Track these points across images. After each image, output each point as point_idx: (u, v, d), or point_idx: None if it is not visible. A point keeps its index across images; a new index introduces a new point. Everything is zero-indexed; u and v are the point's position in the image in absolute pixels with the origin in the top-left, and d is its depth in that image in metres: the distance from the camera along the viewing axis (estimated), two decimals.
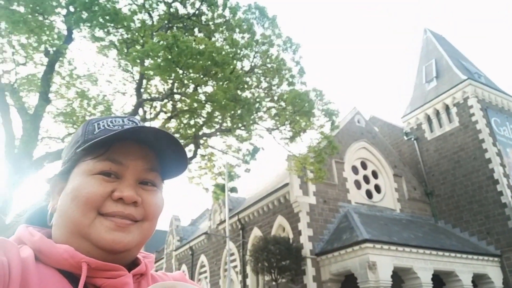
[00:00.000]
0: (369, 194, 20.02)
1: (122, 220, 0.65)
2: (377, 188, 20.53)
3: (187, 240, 27.58)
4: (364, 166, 20.94)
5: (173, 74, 9.46)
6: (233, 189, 16.00)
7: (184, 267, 27.07)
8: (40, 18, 10.91)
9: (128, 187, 0.67)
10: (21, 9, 10.78)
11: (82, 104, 17.37)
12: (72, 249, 0.62)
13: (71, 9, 12.54)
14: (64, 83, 16.93)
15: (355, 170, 20.41)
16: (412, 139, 23.46)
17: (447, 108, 22.04)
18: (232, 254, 21.43)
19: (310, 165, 11.46)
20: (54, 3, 11.08)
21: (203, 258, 24.70)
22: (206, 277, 23.67)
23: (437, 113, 22.50)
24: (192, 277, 25.34)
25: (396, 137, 24.77)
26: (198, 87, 10.32)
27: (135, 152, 0.70)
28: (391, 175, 21.01)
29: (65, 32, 13.95)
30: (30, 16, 10.61)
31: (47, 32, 13.21)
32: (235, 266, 20.96)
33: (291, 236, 17.02)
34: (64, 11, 12.62)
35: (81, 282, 0.59)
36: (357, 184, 20.00)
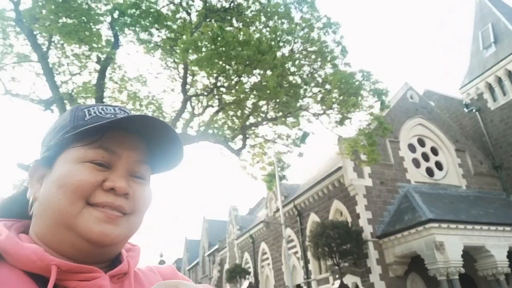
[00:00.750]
0: (429, 172, 18.98)
1: (112, 212, 0.62)
2: (438, 165, 19.40)
3: (247, 229, 28.12)
4: (421, 143, 19.87)
5: (217, 67, 9.51)
6: (283, 177, 15.92)
7: (246, 255, 27.68)
8: (88, 27, 11.43)
9: (120, 178, 0.64)
10: (69, 21, 11.36)
11: (135, 106, 18.22)
12: (41, 250, 0.57)
13: (115, 15, 13.01)
14: (116, 87, 17.83)
15: (412, 148, 19.44)
16: (474, 110, 21.78)
17: (509, 74, 20.15)
18: (291, 241, 21.52)
19: (361, 148, 11.04)
20: (98, 11, 11.55)
21: (263, 246, 25.08)
22: (269, 264, 24.03)
23: (499, 81, 20.67)
24: (255, 264, 25.87)
25: (455, 110, 23.15)
26: (242, 78, 10.30)
27: (128, 142, 0.67)
28: (452, 151, 19.74)
29: (112, 39, 14.57)
30: (79, 26, 11.16)
31: (96, 40, 13.90)
32: (296, 252, 21.03)
33: (349, 220, 16.70)
34: (108, 18, 13.13)
35: (49, 287, 0.54)
36: (416, 163, 19.05)
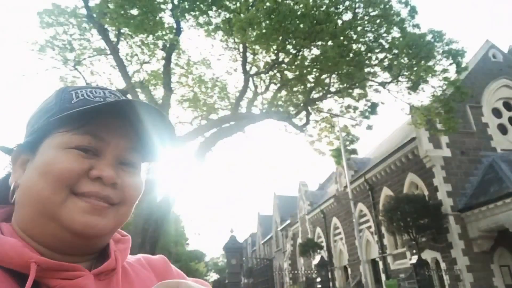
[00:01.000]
0: None
1: (98, 202, 0.58)
2: None
3: (317, 204, 28.06)
4: (508, 107, 17.87)
5: (276, 42, 9.34)
6: (353, 151, 15.41)
7: (318, 229, 27.74)
8: (151, 17, 11.87)
9: (108, 166, 0.60)
10: (134, 13, 11.87)
11: (201, 88, 18.79)
12: (20, 246, 0.54)
13: (175, 2, 13.30)
14: (183, 73, 18.50)
15: (497, 113, 17.58)
16: None
17: None
18: (364, 215, 21.04)
19: (436, 116, 10.19)
20: (160, 0, 11.88)
21: (335, 221, 24.89)
22: (341, 239, 23.87)
23: None
24: (327, 238, 25.86)
25: None
26: (302, 52, 10.00)
27: (117, 128, 0.63)
28: None
29: (175, 25, 15.00)
30: (143, 17, 11.63)
31: (160, 28, 14.42)
32: (369, 227, 20.55)
33: (426, 193, 15.75)
34: (169, 6, 13.48)
35: (27, 286, 0.50)
36: (502, 129, 17.23)
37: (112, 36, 15.20)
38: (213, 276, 52.27)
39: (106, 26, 13.88)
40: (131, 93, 16.51)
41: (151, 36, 14.83)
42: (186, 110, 20.06)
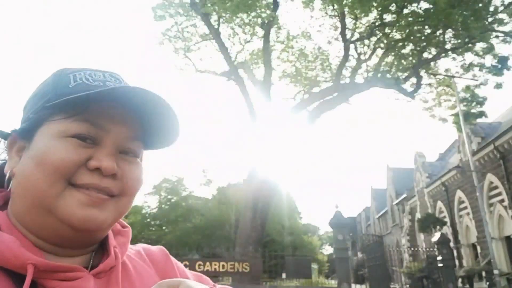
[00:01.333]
0: None
1: (97, 194, 0.56)
2: None
3: (437, 176, 25.77)
4: None
5: (377, 1, 8.52)
6: (481, 114, 13.50)
7: (439, 204, 25.62)
8: None
9: (108, 156, 0.57)
10: None
11: (302, 62, 18.51)
12: (17, 245, 0.52)
13: None
14: (283, 48, 18.42)
15: None
16: None
17: None
18: (494, 188, 18.62)
19: None
20: None
21: (460, 194, 22.60)
22: (468, 214, 21.66)
23: None
24: (451, 213, 23.76)
25: None
26: (407, 8, 8.94)
27: (118, 114, 0.59)
28: None
29: (271, 0, 14.87)
30: None
31: (257, 6, 14.46)
32: (502, 201, 18.12)
33: None
34: None
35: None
36: None
37: (213, 21, 15.84)
38: (328, 250, 52.93)
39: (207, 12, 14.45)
40: (233, 74, 17.18)
41: (249, 15, 15.01)
42: (288, 86, 20.13)
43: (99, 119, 0.57)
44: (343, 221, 10.44)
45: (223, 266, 10.95)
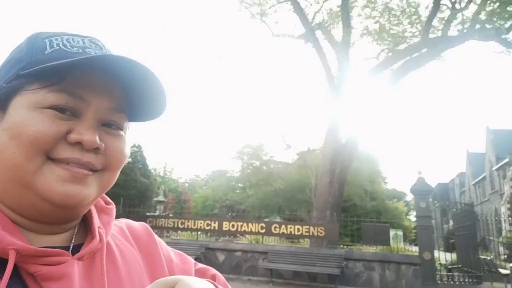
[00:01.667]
0: None
1: (79, 170, 0.52)
2: None
3: None
4: None
5: None
6: None
7: None
8: None
9: (89, 129, 0.53)
10: None
11: (387, 17, 17.07)
12: None
13: None
14: (365, 4, 17.14)
15: None
16: None
17: None
18: None
19: None
20: None
21: None
22: None
23: None
24: None
25: None
26: None
27: (99, 84, 0.55)
28: None
29: None
30: None
31: None
32: None
33: None
34: None
35: (5, 276, 0.47)
36: None
37: None
38: None
39: None
40: (310, 37, 16.59)
41: None
42: (371, 44, 18.86)
43: (78, 89, 0.53)
44: (426, 188, 9.77)
45: (298, 229, 11.09)
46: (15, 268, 0.49)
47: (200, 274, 0.71)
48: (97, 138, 0.54)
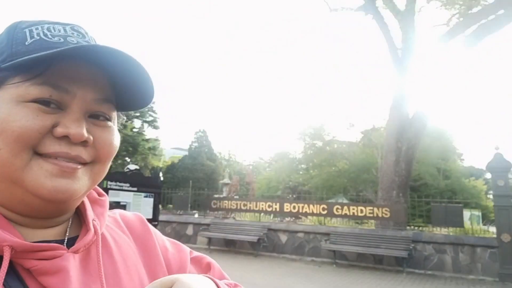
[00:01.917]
0: None
1: (67, 164, 0.52)
2: None
3: None
4: None
5: None
6: None
7: None
8: None
9: (75, 122, 0.52)
10: None
11: None
12: None
13: None
14: None
15: None
16: None
17: None
18: None
19: None
20: None
21: None
22: None
23: None
24: None
25: None
26: None
27: (83, 75, 0.54)
28: None
29: None
30: None
31: None
32: None
33: None
34: None
35: (1, 272, 0.47)
36: None
37: None
38: None
39: None
40: (370, 7, 15.64)
41: None
42: (439, 10, 17.33)
43: (61, 81, 0.52)
44: (504, 165, 8.83)
45: (361, 210, 10.74)
46: (11, 264, 0.49)
47: (195, 262, 0.71)
48: (85, 130, 0.53)
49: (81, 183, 0.54)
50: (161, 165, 30.57)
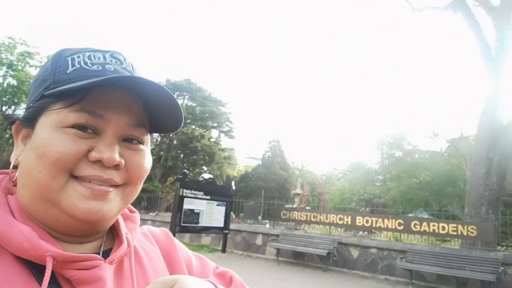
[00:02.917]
0: None
1: (100, 187, 0.56)
2: None
3: None
4: None
5: None
6: None
7: None
8: None
9: (108, 147, 0.56)
10: None
11: None
12: (35, 236, 0.53)
13: None
14: None
15: None
16: None
17: None
18: None
19: None
20: None
21: None
22: None
23: None
24: None
25: None
26: None
27: (117, 102, 0.58)
28: None
29: None
30: None
31: None
32: None
33: None
34: None
35: (44, 281, 0.50)
36: None
37: None
38: None
39: None
40: (460, 5, 14.38)
41: None
42: None
43: (97, 108, 0.56)
44: None
45: (443, 227, 9.70)
46: (52, 273, 0.53)
47: (219, 276, 0.74)
48: (117, 155, 0.57)
49: (113, 204, 0.57)
50: (235, 174, 31.30)
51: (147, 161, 0.62)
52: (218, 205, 12.31)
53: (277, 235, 12.34)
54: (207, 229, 11.78)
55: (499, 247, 10.48)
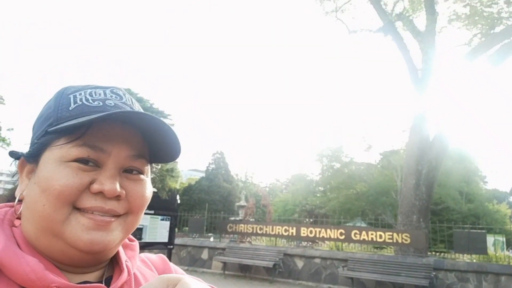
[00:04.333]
0: None
1: (102, 218, 0.58)
2: None
3: None
4: None
5: None
6: None
7: None
8: None
9: (109, 179, 0.59)
10: None
11: (482, 0, 15.37)
12: (41, 268, 0.55)
13: None
14: None
15: None
16: None
17: None
18: None
19: None
20: None
21: None
22: None
23: None
24: None
25: None
26: None
27: (118, 135, 0.61)
28: None
29: None
30: None
31: None
32: None
33: None
34: None
35: None
36: None
37: None
38: None
39: None
40: (390, 29, 15.61)
41: None
42: (459, 29, 17.17)
43: (98, 142, 0.59)
44: None
45: (380, 236, 10.38)
46: None
47: None
48: (118, 186, 0.59)
49: (115, 234, 0.59)
50: (178, 187, 30.63)
51: (148, 191, 0.64)
52: (163, 219, 11.96)
53: (223, 249, 12.29)
54: (150, 245, 11.30)
55: (429, 253, 11.37)
